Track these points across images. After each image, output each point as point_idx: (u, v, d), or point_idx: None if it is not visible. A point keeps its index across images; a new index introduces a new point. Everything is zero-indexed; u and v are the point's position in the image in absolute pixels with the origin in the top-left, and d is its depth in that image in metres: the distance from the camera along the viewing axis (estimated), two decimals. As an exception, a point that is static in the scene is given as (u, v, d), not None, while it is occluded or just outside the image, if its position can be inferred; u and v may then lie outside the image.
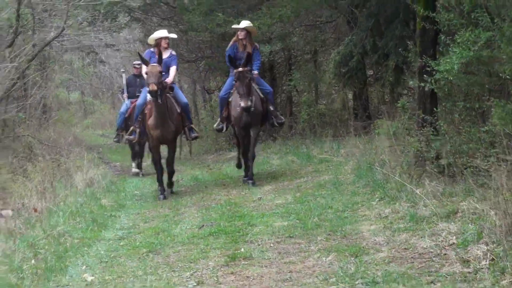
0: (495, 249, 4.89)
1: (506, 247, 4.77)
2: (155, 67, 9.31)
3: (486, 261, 4.80)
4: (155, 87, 9.06)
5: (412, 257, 5.37)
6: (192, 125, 10.62)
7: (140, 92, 12.54)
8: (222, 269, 5.67)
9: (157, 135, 9.77)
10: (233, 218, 7.60)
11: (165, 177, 10.21)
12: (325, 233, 6.43)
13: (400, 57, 9.79)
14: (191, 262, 5.95)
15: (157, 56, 9.56)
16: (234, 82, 9.89)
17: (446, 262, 5.05)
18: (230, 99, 10.31)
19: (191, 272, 5.65)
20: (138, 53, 9.99)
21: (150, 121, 9.74)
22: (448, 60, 7.48)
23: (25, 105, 15.46)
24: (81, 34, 18.22)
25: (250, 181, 10.00)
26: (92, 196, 9.97)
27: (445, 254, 5.24)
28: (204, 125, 18.19)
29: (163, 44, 10.13)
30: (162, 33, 10.38)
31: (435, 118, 7.97)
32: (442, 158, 7.05)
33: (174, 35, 11.00)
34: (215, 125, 11.01)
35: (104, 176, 11.81)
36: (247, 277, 5.40)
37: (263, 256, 5.90)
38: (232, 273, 5.54)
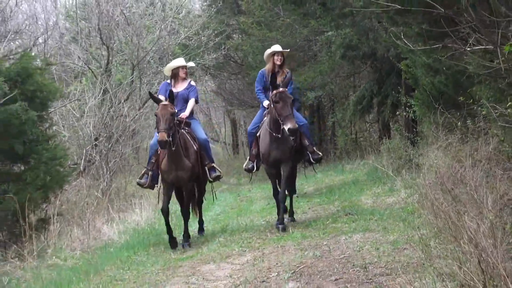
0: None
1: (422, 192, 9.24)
2: (166, 107, 8.02)
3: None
4: (165, 137, 7.78)
5: (382, 205, 9.93)
6: (214, 164, 9.19)
7: None
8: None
9: (171, 178, 8.48)
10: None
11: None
12: (339, 201, 11.04)
13: (395, 97, 14.33)
14: (262, 217, 10.63)
15: (171, 90, 8.31)
16: (271, 106, 8.53)
17: (397, 203, 9.60)
18: (258, 134, 9.22)
19: (264, 219, 10.32)
20: (149, 92, 8.55)
21: (163, 164, 8.48)
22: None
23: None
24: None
25: (280, 226, 8.79)
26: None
27: (399, 201, 9.77)
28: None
29: (181, 74, 9.05)
30: (179, 61, 9.21)
31: (414, 135, 12.49)
32: (413, 159, 11.52)
33: (192, 64, 9.99)
34: (244, 165, 9.68)
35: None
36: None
37: (306, 213, 10.52)
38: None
